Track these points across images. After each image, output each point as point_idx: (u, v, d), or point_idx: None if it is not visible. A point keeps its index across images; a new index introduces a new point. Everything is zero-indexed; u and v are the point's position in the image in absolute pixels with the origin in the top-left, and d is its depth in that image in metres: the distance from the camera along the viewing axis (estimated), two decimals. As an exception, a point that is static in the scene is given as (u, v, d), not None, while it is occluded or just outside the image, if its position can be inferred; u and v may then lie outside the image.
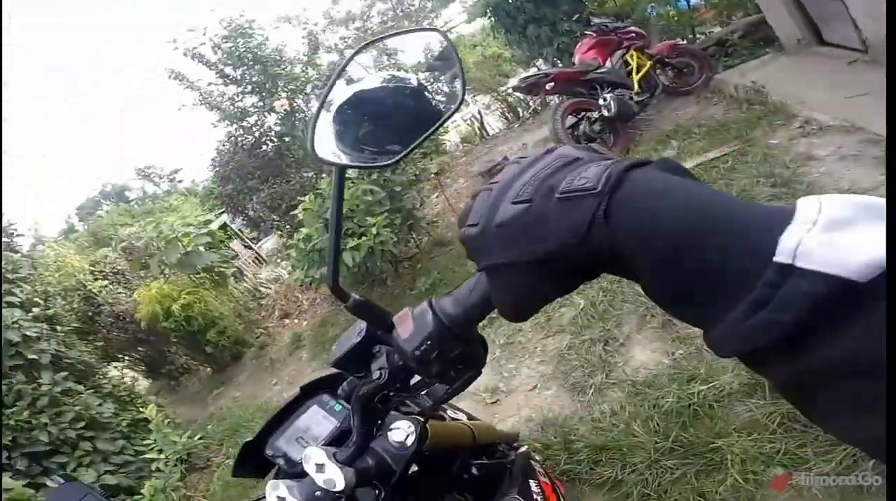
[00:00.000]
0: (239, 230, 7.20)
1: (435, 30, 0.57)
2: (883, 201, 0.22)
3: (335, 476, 0.52)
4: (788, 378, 0.23)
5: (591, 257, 0.28)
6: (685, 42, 4.92)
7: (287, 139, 4.31)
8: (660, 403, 1.70)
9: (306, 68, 4.53)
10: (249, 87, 4.28)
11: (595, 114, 3.69)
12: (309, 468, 0.53)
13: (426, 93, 0.54)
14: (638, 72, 3.88)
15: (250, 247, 7.63)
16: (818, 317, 0.20)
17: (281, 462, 0.67)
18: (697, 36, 5.36)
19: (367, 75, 0.53)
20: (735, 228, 0.23)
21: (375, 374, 0.50)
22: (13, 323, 2.98)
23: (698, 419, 1.58)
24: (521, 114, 7.15)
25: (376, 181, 3.09)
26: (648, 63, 3.95)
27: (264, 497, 0.54)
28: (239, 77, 4.31)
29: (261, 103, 4.31)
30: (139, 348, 5.27)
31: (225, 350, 4.94)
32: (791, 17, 4.00)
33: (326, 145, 0.47)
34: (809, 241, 0.21)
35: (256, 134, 4.48)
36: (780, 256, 0.21)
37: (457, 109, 0.51)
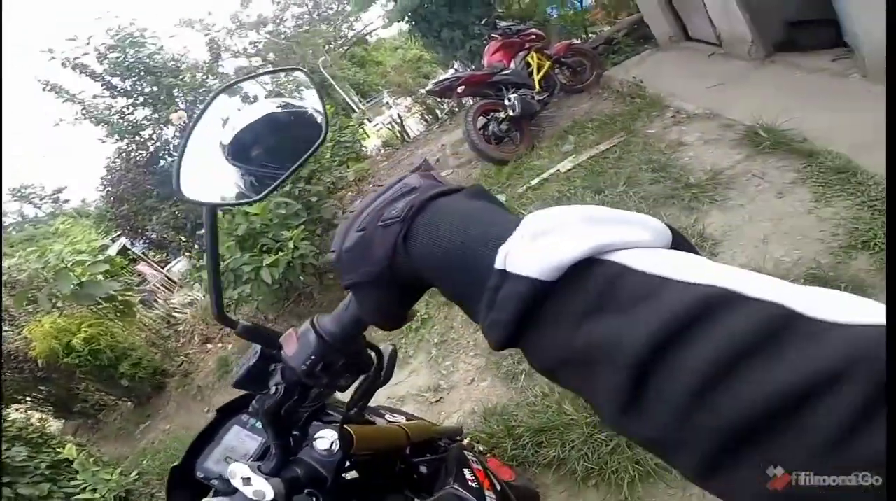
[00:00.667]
0: (143, 253, 6.74)
1: (297, 69, 0.60)
2: (582, 208, 0.25)
3: (263, 487, 0.55)
4: (538, 365, 0.26)
5: (403, 274, 0.32)
6: (579, 42, 5.42)
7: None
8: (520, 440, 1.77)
9: (206, 76, 4.41)
10: (141, 99, 4.08)
11: (502, 115, 4.01)
12: (236, 482, 0.56)
13: (294, 127, 0.56)
14: (539, 72, 4.25)
15: (158, 271, 7.17)
16: (526, 313, 0.24)
17: (216, 482, 0.68)
18: (589, 35, 5.93)
19: (234, 112, 0.55)
20: (481, 242, 0.27)
21: (272, 389, 0.54)
22: None
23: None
24: (439, 116, 7.41)
25: (290, 193, 3.14)
26: (547, 63, 4.33)
27: None
28: (129, 88, 4.10)
29: (155, 115, 4.13)
30: (40, 387, 4.83)
31: (143, 381, 4.70)
32: (663, 16, 4.64)
33: (194, 184, 0.48)
34: (515, 250, 0.24)
35: (152, 148, 4.27)
36: (498, 264, 0.25)
37: (320, 144, 0.54)
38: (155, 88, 4.07)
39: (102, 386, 4.87)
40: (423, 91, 6.32)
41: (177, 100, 4.10)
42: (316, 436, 0.63)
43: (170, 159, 4.31)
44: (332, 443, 0.64)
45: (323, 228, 3.64)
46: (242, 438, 0.70)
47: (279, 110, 0.58)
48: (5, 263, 4.75)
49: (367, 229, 0.33)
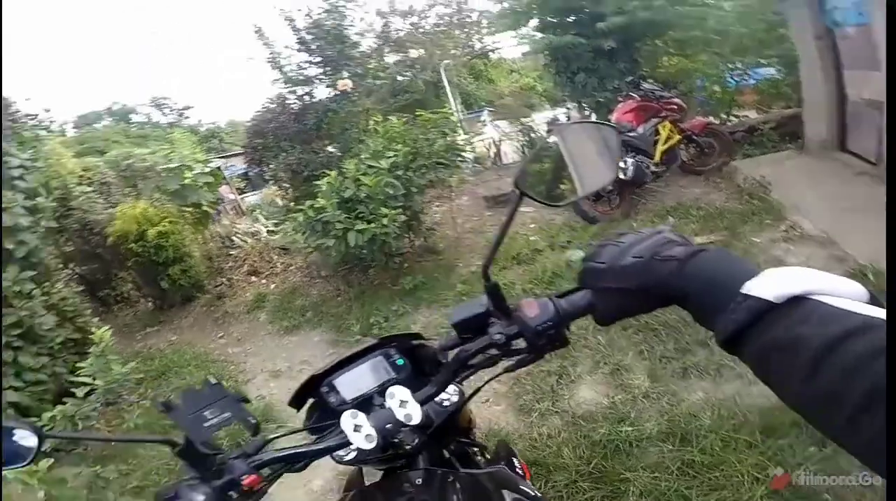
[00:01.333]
0: (231, 177, 7.36)
1: (612, 126, 0.73)
2: (809, 270, 0.41)
3: (414, 412, 0.65)
4: (749, 355, 0.42)
5: (668, 292, 0.49)
6: (718, 122, 5.28)
7: (330, 114, 4.64)
8: (590, 435, 2.05)
9: (377, 58, 4.97)
10: (319, 59, 4.61)
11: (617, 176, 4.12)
12: (392, 403, 0.66)
13: (591, 162, 0.67)
14: (664, 143, 4.24)
15: (236, 196, 7.78)
16: (755, 318, 0.40)
17: (332, 399, 0.77)
18: (731, 118, 5.72)
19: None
20: (734, 278, 0.43)
21: (496, 337, 0.62)
22: (12, 204, 2.98)
23: (618, 453, 1.94)
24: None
25: (399, 177, 3.43)
26: (677, 137, 4.31)
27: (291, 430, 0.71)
28: (314, 47, 4.64)
29: (324, 76, 4.66)
30: (87, 263, 5.24)
31: (180, 289, 5.00)
32: (827, 116, 4.25)
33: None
34: (757, 283, 0.41)
35: (308, 102, 4.83)
36: (744, 289, 0.42)
37: (602, 186, 0.77)
38: (334, 54, 4.59)
39: (142, 280, 5.24)
40: (544, 125, 6.51)
41: (346, 69, 4.61)
42: (449, 389, 0.73)
43: (307, 118, 4.76)
44: (451, 397, 0.76)
45: (409, 216, 3.90)
46: (379, 369, 0.78)
47: (589, 143, 0.70)
48: (136, 150, 5.37)
49: (643, 257, 0.51)
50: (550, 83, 12.56)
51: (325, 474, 2.25)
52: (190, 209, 4.93)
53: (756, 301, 0.40)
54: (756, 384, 2.05)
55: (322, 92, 4.93)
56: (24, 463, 0.62)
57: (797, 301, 0.39)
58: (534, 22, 6.01)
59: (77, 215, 4.94)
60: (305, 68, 4.79)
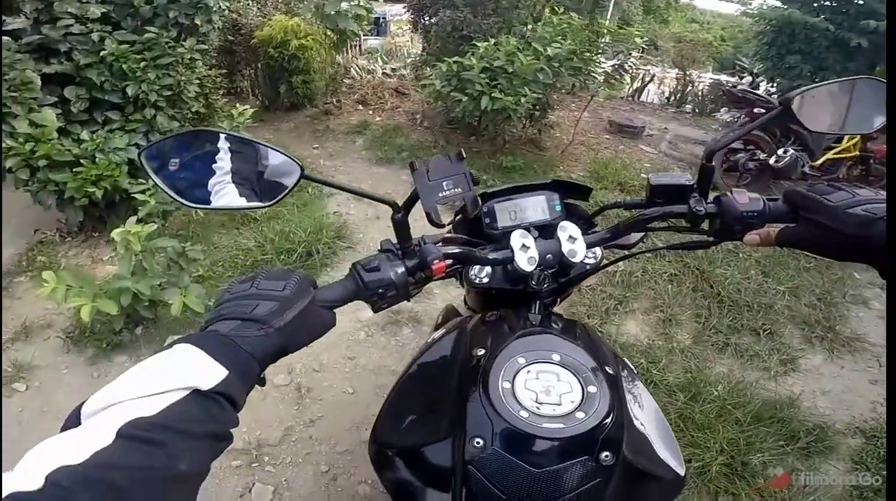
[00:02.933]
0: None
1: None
2: None
3: (579, 250, 0.70)
4: None
5: (872, 250, 0.55)
6: None
7: None
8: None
9: None
10: None
11: (762, 156, 3.98)
12: (562, 235, 0.71)
13: None
14: (837, 152, 3.99)
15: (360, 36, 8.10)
16: None
17: (487, 220, 0.80)
18: None
19: None
20: None
21: (697, 208, 0.68)
22: None
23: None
24: (683, 104, 7.23)
25: (552, 67, 3.59)
26: (854, 153, 4.01)
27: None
28: None
29: None
30: (220, 56, 5.53)
31: (294, 97, 5.41)
32: None
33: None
34: None
35: None
36: None
37: (852, 133, 0.84)
38: None
39: (263, 80, 5.65)
40: (721, 81, 6.10)
41: None
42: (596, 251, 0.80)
43: None
44: (591, 261, 0.80)
45: (539, 107, 4.07)
46: (537, 207, 0.81)
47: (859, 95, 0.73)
48: None
49: (876, 215, 0.56)
50: (734, 47, 11.43)
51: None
52: (332, 34, 5.28)
53: None
54: (773, 379, 2.32)
55: None
56: (276, 199, 0.61)
57: None
58: None
59: (231, 16, 5.31)
60: None
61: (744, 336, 2.57)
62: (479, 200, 0.68)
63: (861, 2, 4.90)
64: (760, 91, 4.91)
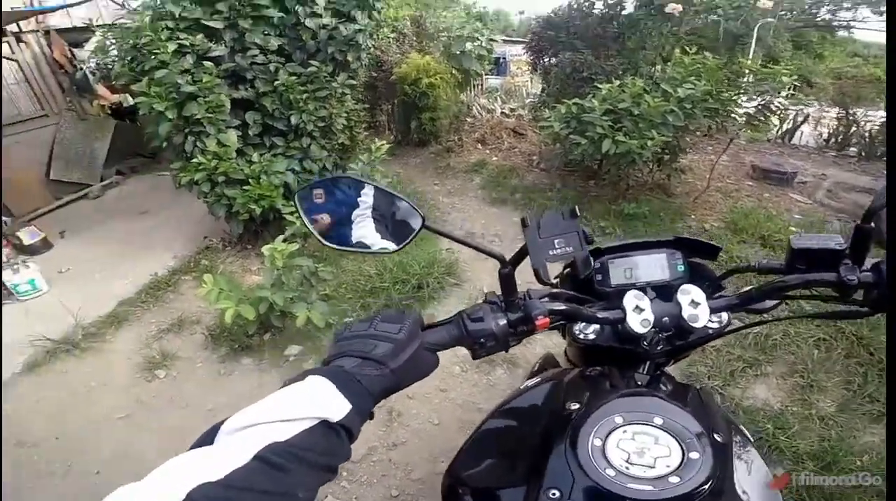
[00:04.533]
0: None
1: None
2: None
3: (702, 315, 0.67)
4: None
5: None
6: None
7: (634, 31, 4.71)
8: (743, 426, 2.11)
9: None
10: None
11: None
12: (683, 299, 0.68)
13: None
14: None
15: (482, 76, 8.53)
16: None
17: (599, 276, 0.79)
18: None
19: None
20: None
21: (849, 278, 0.60)
22: (365, 27, 3.65)
23: None
24: (847, 146, 6.35)
25: (684, 109, 3.46)
26: None
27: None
28: None
29: None
30: (364, 91, 6.04)
31: (422, 133, 5.93)
32: None
33: None
34: None
35: (616, 12, 4.99)
36: None
37: None
38: None
39: (398, 116, 6.22)
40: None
41: None
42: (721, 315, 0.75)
43: (609, 26, 4.92)
44: (715, 325, 0.76)
45: (668, 151, 3.92)
46: (656, 265, 0.78)
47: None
48: (444, 13, 6.18)
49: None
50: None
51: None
52: (458, 73, 5.69)
53: None
54: None
55: (630, 6, 4.98)
56: (401, 246, 0.67)
57: None
58: None
59: (375, 53, 5.98)
60: None
61: None
62: (592, 260, 0.69)
63: None
64: None
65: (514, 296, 0.65)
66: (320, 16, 3.51)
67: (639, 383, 0.69)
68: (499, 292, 0.67)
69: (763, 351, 2.53)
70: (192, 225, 4.19)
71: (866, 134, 6.27)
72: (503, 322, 0.63)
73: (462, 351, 0.65)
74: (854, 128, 6.41)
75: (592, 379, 0.74)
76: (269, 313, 2.50)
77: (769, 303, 0.73)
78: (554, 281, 0.76)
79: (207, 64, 3.20)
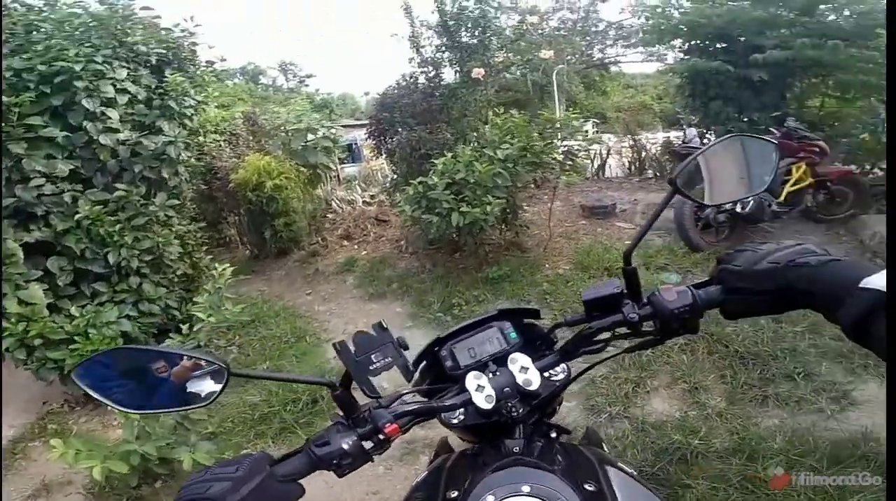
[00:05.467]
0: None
1: (774, 143, 0.77)
2: None
3: (534, 379, 0.72)
4: (877, 343, 0.48)
5: (798, 294, 0.57)
6: (860, 172, 5.03)
7: (455, 99, 5.09)
8: (658, 442, 2.21)
9: (507, 54, 5.37)
10: (457, 44, 5.08)
11: (728, 206, 4.11)
12: (513, 367, 0.73)
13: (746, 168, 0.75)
14: (794, 184, 4.22)
15: (336, 166, 8.50)
16: (872, 307, 0.47)
17: (448, 363, 0.84)
18: (877, 169, 5.34)
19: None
20: (858, 278, 0.50)
21: (631, 316, 0.69)
22: (178, 138, 3.41)
23: (682, 462, 2.10)
24: (644, 170, 7.62)
25: (508, 169, 3.75)
26: (809, 181, 4.27)
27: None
28: (454, 31, 5.09)
29: (456, 62, 5.12)
30: (203, 204, 5.69)
31: (280, 241, 5.55)
32: None
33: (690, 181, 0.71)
34: (876, 276, 0.48)
35: (437, 84, 5.32)
36: (863, 283, 0.49)
37: (751, 196, 0.87)
38: (475, 41, 5.07)
39: (247, 227, 5.81)
40: (672, 144, 6.53)
41: (484, 58, 5.03)
42: (562, 366, 0.79)
43: (433, 99, 5.28)
44: (560, 374, 0.78)
45: (508, 210, 4.21)
46: (493, 340, 0.84)
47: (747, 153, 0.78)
48: (276, 108, 6.02)
49: (779, 264, 0.60)
50: (671, 104, 12.36)
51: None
52: (305, 169, 5.56)
53: (871, 292, 0.48)
54: (833, 418, 2.23)
55: (450, 76, 5.37)
56: (212, 399, 0.67)
57: None
58: (677, 41, 6.13)
59: (206, 159, 5.51)
60: (443, 51, 5.18)
61: (780, 384, 2.50)
62: (411, 366, 0.75)
63: (742, 38, 5.36)
64: (705, 141, 5.22)
65: (357, 413, 0.67)
66: (118, 130, 3.17)
67: (514, 450, 0.72)
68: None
69: (643, 369, 2.77)
70: (24, 391, 3.54)
71: (654, 156, 7.63)
72: (353, 438, 0.65)
73: (386, 452, 0.68)
74: (644, 153, 7.76)
75: (470, 458, 0.77)
76: (145, 463, 2.31)
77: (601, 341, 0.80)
78: (394, 390, 0.79)
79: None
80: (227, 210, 6.11)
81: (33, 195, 2.91)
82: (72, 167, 3.06)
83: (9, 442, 3.14)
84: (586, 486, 0.62)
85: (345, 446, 0.64)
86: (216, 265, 3.36)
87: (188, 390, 0.67)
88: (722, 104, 5.59)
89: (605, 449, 0.99)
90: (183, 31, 3.85)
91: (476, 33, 4.97)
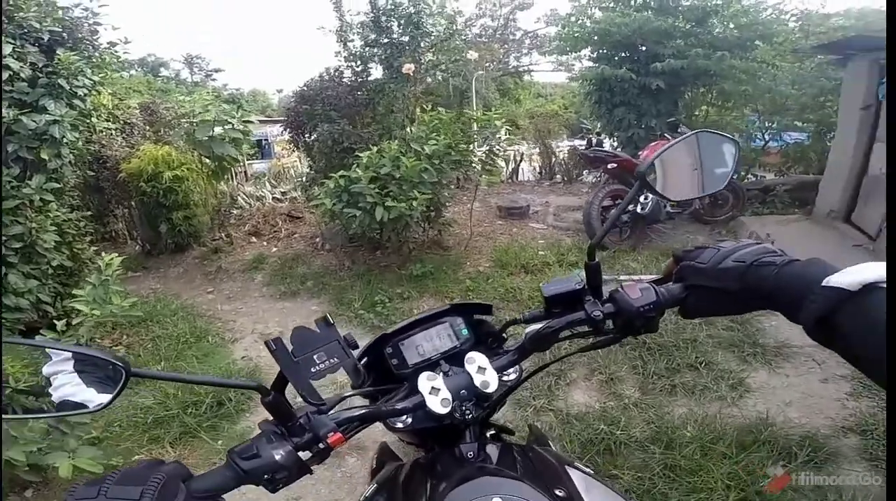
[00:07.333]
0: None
1: (735, 141, 0.77)
2: (876, 265, 0.45)
3: (491, 380, 0.67)
4: (839, 340, 0.48)
5: (763, 293, 0.55)
6: (735, 177, 5.78)
7: (382, 95, 4.91)
8: (582, 434, 2.24)
9: (437, 54, 5.26)
10: (387, 41, 4.89)
11: (630, 207, 4.41)
12: (470, 368, 0.67)
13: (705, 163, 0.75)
14: None
15: (244, 161, 7.90)
16: (836, 306, 0.47)
17: (395, 361, 0.78)
18: (750, 176, 6.15)
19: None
20: (820, 277, 0.49)
21: (595, 313, 0.65)
22: (66, 117, 3.12)
23: (607, 452, 2.14)
24: (554, 175, 8.02)
25: (434, 166, 3.68)
26: None
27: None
28: (386, 27, 4.92)
29: (385, 58, 4.93)
30: (88, 194, 5.18)
31: (178, 236, 5.04)
32: (842, 188, 4.52)
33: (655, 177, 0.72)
34: (837, 275, 0.48)
35: (364, 79, 5.11)
36: (824, 282, 0.48)
37: (712, 192, 0.78)
38: (405, 39, 4.90)
39: (139, 220, 5.26)
40: (575, 147, 6.84)
41: (414, 55, 4.88)
42: (515, 367, 0.75)
43: (359, 94, 5.05)
44: (513, 375, 0.75)
45: (432, 207, 4.14)
46: (443, 336, 0.80)
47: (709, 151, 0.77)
48: (179, 97, 5.40)
49: (744, 262, 0.58)
50: (575, 114, 13.17)
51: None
52: (210, 161, 5.04)
53: (834, 290, 0.47)
54: (734, 405, 2.38)
55: (377, 72, 5.20)
56: (107, 403, 0.56)
57: (872, 288, 0.45)
58: (587, 50, 6.44)
59: (94, 147, 4.95)
60: (372, 45, 5.01)
61: (685, 374, 2.65)
62: (361, 368, 0.67)
63: (644, 48, 5.79)
64: (606, 147, 5.55)
65: (293, 420, 0.58)
66: None
67: (469, 455, 0.67)
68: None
69: (563, 362, 2.78)
70: None
71: (562, 162, 8.05)
72: (287, 449, 0.56)
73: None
74: (553, 159, 8.17)
75: (426, 469, 0.70)
76: (10, 470, 1.97)
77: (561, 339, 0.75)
78: (332, 395, 0.69)
79: None
80: (115, 202, 5.52)
81: None
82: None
83: None
84: (557, 492, 0.58)
85: (277, 458, 0.55)
86: (102, 254, 2.94)
87: (75, 393, 0.56)
88: (625, 110, 5.96)
89: (553, 447, 0.94)
90: (85, 9, 3.67)
91: (409, 30, 4.84)
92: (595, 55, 6.38)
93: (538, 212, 5.94)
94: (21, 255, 2.97)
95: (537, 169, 8.42)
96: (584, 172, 7.60)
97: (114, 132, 5.32)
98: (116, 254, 2.89)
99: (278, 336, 0.60)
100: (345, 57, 5.18)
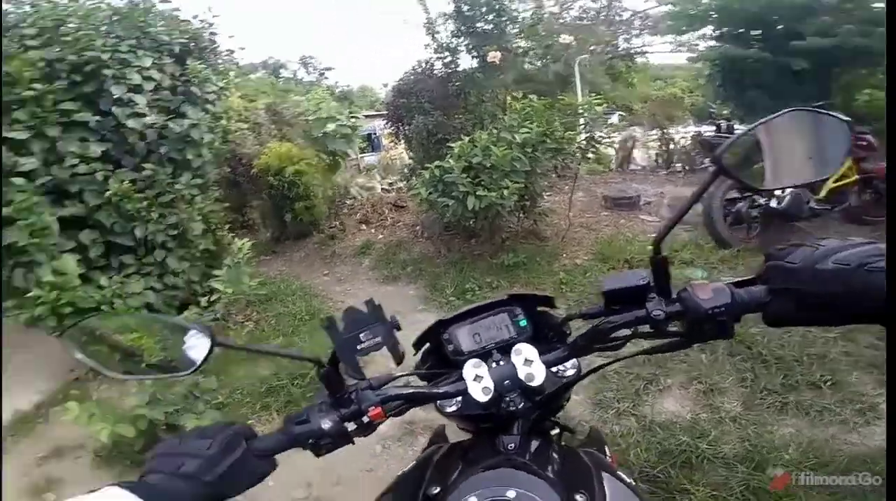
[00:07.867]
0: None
1: (844, 120, 0.62)
2: None
3: (537, 373, 0.64)
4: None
5: (874, 304, 0.46)
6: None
7: (472, 85, 4.97)
8: (663, 443, 2.06)
9: (525, 40, 5.19)
10: (473, 30, 4.93)
11: (762, 201, 3.85)
12: (517, 359, 0.65)
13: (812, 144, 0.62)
14: (837, 180, 3.83)
15: (356, 155, 8.51)
16: None
17: (450, 347, 0.78)
18: None
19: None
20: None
21: (656, 313, 0.60)
22: (202, 121, 3.54)
23: (686, 466, 1.94)
24: (672, 163, 7.31)
25: (527, 154, 3.61)
26: (854, 177, 3.89)
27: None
28: (469, 17, 4.94)
29: (472, 47, 4.97)
30: (227, 189, 5.72)
31: (300, 224, 5.63)
32: None
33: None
34: None
35: (453, 69, 5.20)
36: None
37: (818, 178, 0.66)
38: (490, 27, 4.94)
39: (269, 211, 5.90)
40: (701, 135, 6.23)
41: (500, 43, 4.88)
42: (572, 361, 0.73)
43: (450, 85, 5.14)
44: (569, 371, 0.75)
45: (526, 197, 4.05)
46: (501, 326, 0.78)
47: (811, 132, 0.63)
48: (293, 97, 6.05)
49: (849, 265, 0.49)
50: (702, 97, 11.84)
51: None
52: (325, 156, 5.55)
53: None
54: (854, 431, 2.04)
55: (466, 62, 5.20)
56: (194, 369, 0.62)
57: None
58: (707, 29, 5.79)
59: (230, 146, 5.52)
60: (459, 36, 5.04)
61: (803, 392, 2.29)
62: (401, 349, 0.68)
63: (781, 27, 5.01)
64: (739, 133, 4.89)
65: (342, 392, 0.63)
66: (144, 115, 3.27)
67: (510, 447, 0.66)
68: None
69: (658, 366, 2.60)
70: (51, 359, 3.66)
71: (684, 149, 7.30)
72: (334, 418, 0.61)
73: (381, 430, 0.64)
74: (672, 146, 7.44)
75: (460, 453, 0.72)
76: (151, 429, 2.34)
77: (619, 339, 0.69)
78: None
79: (17, 180, 2.76)
80: (250, 195, 6.25)
81: (68, 174, 3.06)
82: (103, 149, 3.19)
83: (32, 407, 3.24)
84: (577, 496, 0.56)
85: (324, 426, 0.60)
86: (236, 240, 3.44)
87: (173, 359, 0.65)
88: (759, 93, 5.29)
89: (608, 452, 0.91)
90: (202, 21, 3.99)
91: (491, 18, 4.77)
92: (718, 34, 5.72)
93: (650, 204, 5.47)
94: (176, 241, 3.50)
95: (653, 157, 7.74)
96: (706, 161, 6.79)
97: (246, 132, 6.05)
98: (248, 240, 3.37)
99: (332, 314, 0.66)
100: (434, 49, 5.25)
